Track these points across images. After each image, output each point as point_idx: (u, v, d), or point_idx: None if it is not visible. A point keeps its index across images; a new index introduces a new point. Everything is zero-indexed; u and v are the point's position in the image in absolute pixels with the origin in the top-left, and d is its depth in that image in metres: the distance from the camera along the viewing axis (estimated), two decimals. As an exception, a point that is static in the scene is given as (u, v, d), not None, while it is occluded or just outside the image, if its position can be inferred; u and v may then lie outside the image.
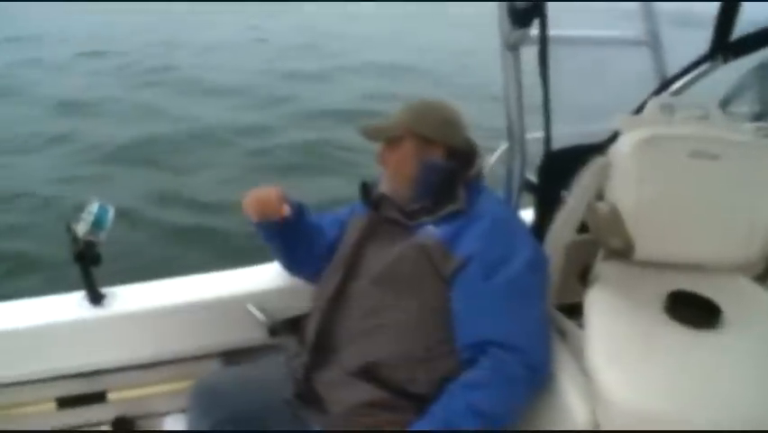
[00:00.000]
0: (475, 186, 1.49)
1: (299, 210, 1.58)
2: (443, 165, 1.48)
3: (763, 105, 2.38)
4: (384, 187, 1.53)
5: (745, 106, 2.39)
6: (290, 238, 1.59)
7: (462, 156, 1.51)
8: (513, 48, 1.54)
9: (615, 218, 1.44)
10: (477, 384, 1.23)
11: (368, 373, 1.32)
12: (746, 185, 1.45)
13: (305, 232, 1.61)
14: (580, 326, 1.41)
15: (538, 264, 1.38)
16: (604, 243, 1.55)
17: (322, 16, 18.72)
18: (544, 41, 1.46)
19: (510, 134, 1.68)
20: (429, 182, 1.47)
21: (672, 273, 1.46)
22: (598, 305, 1.37)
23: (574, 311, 1.54)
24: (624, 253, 1.47)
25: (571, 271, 1.81)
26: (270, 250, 1.67)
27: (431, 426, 1.21)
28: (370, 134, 1.54)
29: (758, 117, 2.34)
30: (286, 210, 1.50)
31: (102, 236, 1.57)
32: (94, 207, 1.56)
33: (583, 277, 1.80)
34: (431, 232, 1.40)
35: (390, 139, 1.52)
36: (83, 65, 11.07)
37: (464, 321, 1.32)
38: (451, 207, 1.42)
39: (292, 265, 1.71)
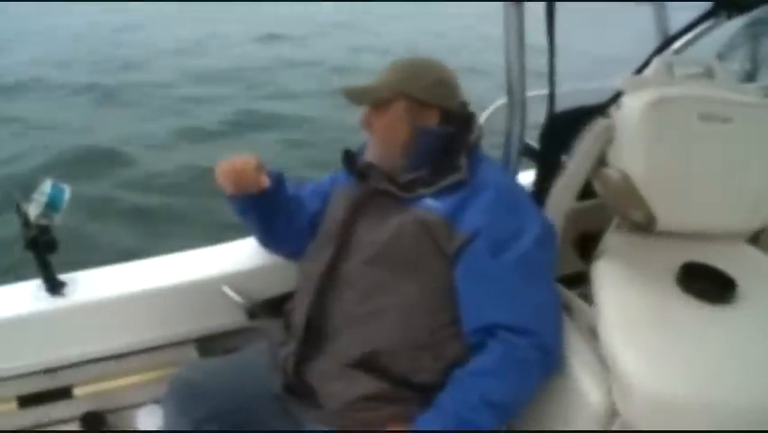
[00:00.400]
0: (475, 153, 1.36)
1: (278, 180, 1.42)
2: (440, 131, 1.34)
3: (753, 63, 2.33)
4: (370, 155, 1.39)
5: (736, 64, 2.33)
6: (268, 212, 1.45)
7: (460, 120, 1.38)
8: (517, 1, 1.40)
9: (629, 187, 1.35)
10: (488, 371, 1.14)
11: (366, 364, 1.21)
12: (756, 150, 1.40)
13: (283, 204, 1.47)
14: (583, 297, 1.36)
15: (548, 239, 1.27)
16: (623, 215, 1.46)
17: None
18: None
19: (510, 94, 1.55)
20: (425, 150, 1.33)
21: (678, 243, 1.40)
22: (609, 280, 1.29)
23: (572, 282, 1.47)
24: (645, 225, 1.38)
25: (568, 240, 1.73)
26: (246, 225, 1.53)
27: (442, 421, 1.11)
28: (355, 97, 1.38)
29: (749, 76, 2.30)
30: (264, 181, 1.35)
31: (57, 219, 1.40)
32: (47, 187, 1.39)
33: (581, 246, 1.72)
34: (431, 205, 1.27)
35: (378, 102, 1.36)
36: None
37: (471, 303, 1.21)
38: (452, 178, 1.29)
39: (270, 242, 1.57)
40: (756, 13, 2.31)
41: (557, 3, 1.37)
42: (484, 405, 1.10)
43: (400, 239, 1.25)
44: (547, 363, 1.17)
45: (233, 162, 1.33)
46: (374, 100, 1.37)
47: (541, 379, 1.18)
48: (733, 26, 2.25)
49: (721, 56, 2.30)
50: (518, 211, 1.27)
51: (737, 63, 2.35)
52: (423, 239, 1.24)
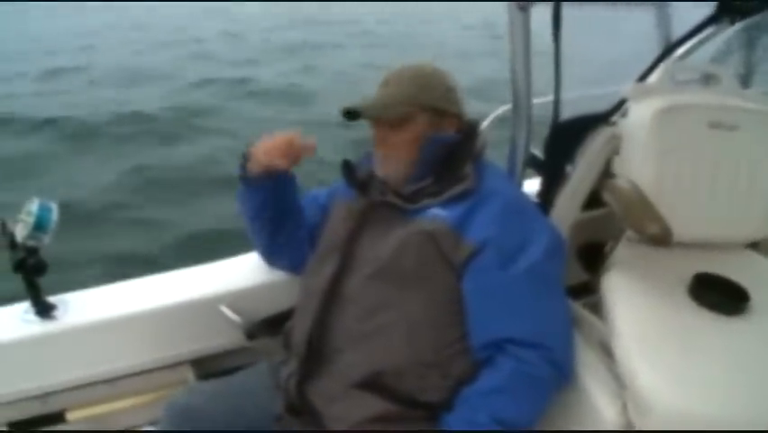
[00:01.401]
0: (480, 161, 1.33)
1: (292, 176, 1.41)
2: (448, 138, 1.30)
3: (747, 68, 2.32)
4: (383, 171, 1.32)
5: (730, 69, 2.32)
6: (281, 208, 1.42)
7: (467, 128, 1.34)
8: (523, 8, 1.37)
9: (642, 198, 1.32)
10: (497, 389, 1.10)
11: (372, 384, 1.16)
12: (764, 157, 1.38)
13: (295, 204, 1.45)
14: (588, 308, 1.33)
15: (558, 249, 1.23)
16: (636, 227, 1.43)
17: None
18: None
19: (515, 103, 1.51)
20: (430, 159, 1.29)
21: (686, 252, 1.39)
22: (621, 294, 1.26)
23: (576, 293, 1.44)
24: (661, 238, 1.35)
25: (573, 251, 1.70)
26: (253, 229, 1.48)
27: None
28: (373, 115, 1.31)
29: (743, 80, 2.28)
30: (312, 147, 1.34)
31: (45, 240, 1.35)
32: (33, 207, 1.33)
33: (585, 256, 1.69)
34: (438, 214, 1.22)
35: (398, 118, 1.29)
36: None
37: (479, 316, 1.17)
38: (460, 187, 1.24)
39: (274, 250, 1.51)
40: (751, 17, 2.32)
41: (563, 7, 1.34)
42: (495, 424, 1.06)
43: (405, 252, 1.21)
44: (559, 378, 1.14)
45: (282, 137, 1.31)
46: (394, 117, 1.30)
47: (552, 394, 1.14)
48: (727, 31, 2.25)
49: (716, 61, 2.30)
50: (527, 221, 1.23)
51: (732, 68, 2.33)
52: (429, 250, 1.19)
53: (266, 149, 1.31)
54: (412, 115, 1.29)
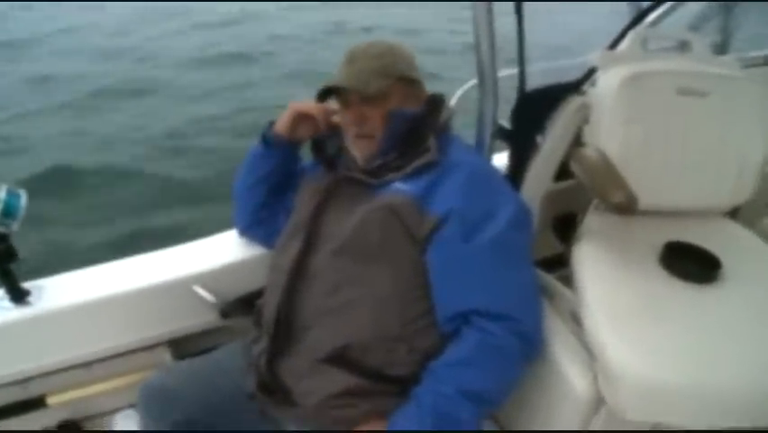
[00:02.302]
0: (445, 134, 1.32)
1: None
2: (413, 112, 1.29)
3: (725, 34, 2.31)
4: (361, 152, 1.32)
5: (707, 37, 2.31)
6: (285, 176, 1.48)
7: (431, 100, 1.34)
8: None
9: (608, 166, 1.32)
10: (464, 361, 1.10)
11: (338, 358, 1.16)
12: (735, 123, 1.38)
13: (294, 176, 1.49)
14: (562, 280, 1.33)
15: (523, 220, 1.23)
16: (602, 196, 1.43)
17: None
18: None
19: (480, 74, 1.50)
20: (396, 133, 1.28)
21: (658, 221, 1.38)
22: (590, 263, 1.26)
23: (551, 265, 1.44)
24: (626, 206, 1.35)
25: (546, 223, 1.70)
26: (250, 195, 1.51)
27: (419, 417, 1.07)
28: (358, 89, 1.26)
29: (720, 47, 2.27)
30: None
31: (14, 227, 1.34)
32: (2, 193, 1.33)
33: (560, 228, 1.70)
34: (400, 188, 1.22)
35: (380, 92, 1.27)
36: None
37: (444, 289, 1.17)
38: (422, 160, 1.24)
39: (256, 218, 1.53)
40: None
41: None
42: (462, 397, 1.06)
43: (368, 227, 1.21)
44: (527, 350, 1.14)
45: (316, 105, 1.38)
46: (376, 90, 1.27)
47: (521, 366, 1.14)
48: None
49: (692, 28, 2.28)
50: (491, 192, 1.23)
51: (708, 36, 2.32)
52: (392, 225, 1.19)
53: (298, 111, 1.40)
54: (391, 88, 1.28)
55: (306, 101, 1.41)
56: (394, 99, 1.29)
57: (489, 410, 1.13)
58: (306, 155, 1.49)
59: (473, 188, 1.20)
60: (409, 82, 1.32)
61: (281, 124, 1.42)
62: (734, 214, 1.50)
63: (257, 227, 1.55)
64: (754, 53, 2.17)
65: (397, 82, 1.29)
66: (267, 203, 1.50)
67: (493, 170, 1.35)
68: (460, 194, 1.18)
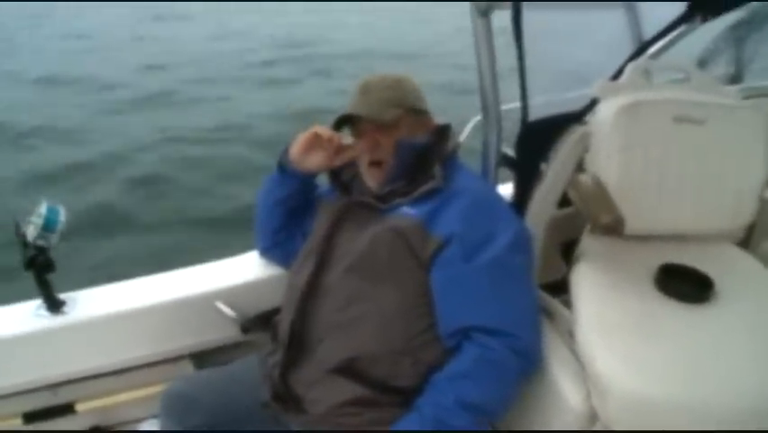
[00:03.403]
0: (451, 162, 1.41)
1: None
2: (421, 143, 1.40)
3: (737, 66, 2.34)
4: (375, 181, 1.42)
5: (720, 68, 2.34)
6: (304, 201, 1.56)
7: (438, 130, 1.43)
8: (484, 14, 1.45)
9: (600, 191, 1.37)
10: (463, 374, 1.16)
11: (347, 370, 1.24)
12: (733, 150, 1.41)
13: (312, 201, 1.57)
14: (566, 304, 1.36)
15: (523, 243, 1.30)
16: (593, 219, 1.48)
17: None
18: (516, 4, 1.36)
19: (484, 106, 1.59)
20: (404, 163, 1.38)
21: (658, 245, 1.41)
22: (586, 284, 1.30)
23: (558, 289, 1.48)
24: (613, 228, 1.40)
25: (552, 248, 1.75)
26: (270, 216, 1.60)
27: (420, 425, 1.13)
28: (375, 118, 1.37)
29: (733, 79, 2.30)
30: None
31: (53, 240, 1.46)
32: (42, 209, 1.45)
33: (565, 253, 1.74)
34: (406, 212, 1.31)
35: (393, 120, 1.38)
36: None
37: (446, 306, 1.25)
38: (427, 186, 1.33)
39: (277, 239, 1.62)
40: (739, 15, 2.34)
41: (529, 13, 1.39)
42: (460, 407, 1.12)
43: (376, 247, 1.29)
44: (524, 365, 1.19)
45: (304, 134, 1.45)
46: (391, 119, 1.37)
47: (519, 380, 1.20)
48: (714, 29, 2.27)
49: (703, 60, 2.32)
50: (492, 217, 1.30)
51: (721, 67, 2.35)
52: (398, 246, 1.28)
53: (298, 147, 1.46)
54: (401, 118, 1.39)
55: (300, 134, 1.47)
56: (404, 128, 1.39)
57: (486, 422, 1.17)
58: (322, 181, 1.57)
59: (475, 213, 1.28)
60: (418, 113, 1.42)
61: (296, 148, 1.47)
62: (744, 243, 1.51)
63: (276, 249, 1.64)
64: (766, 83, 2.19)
65: (406, 112, 1.39)
66: (285, 226, 1.59)
67: (496, 196, 1.42)
68: (462, 218, 1.26)
